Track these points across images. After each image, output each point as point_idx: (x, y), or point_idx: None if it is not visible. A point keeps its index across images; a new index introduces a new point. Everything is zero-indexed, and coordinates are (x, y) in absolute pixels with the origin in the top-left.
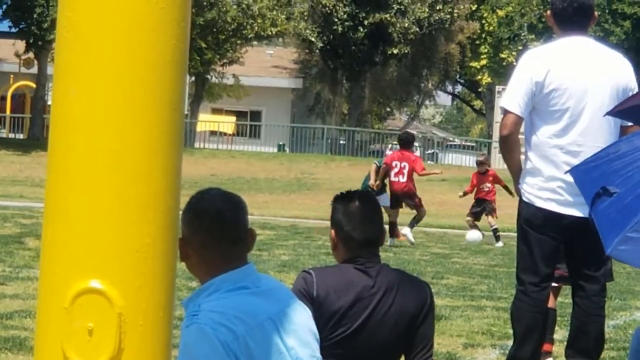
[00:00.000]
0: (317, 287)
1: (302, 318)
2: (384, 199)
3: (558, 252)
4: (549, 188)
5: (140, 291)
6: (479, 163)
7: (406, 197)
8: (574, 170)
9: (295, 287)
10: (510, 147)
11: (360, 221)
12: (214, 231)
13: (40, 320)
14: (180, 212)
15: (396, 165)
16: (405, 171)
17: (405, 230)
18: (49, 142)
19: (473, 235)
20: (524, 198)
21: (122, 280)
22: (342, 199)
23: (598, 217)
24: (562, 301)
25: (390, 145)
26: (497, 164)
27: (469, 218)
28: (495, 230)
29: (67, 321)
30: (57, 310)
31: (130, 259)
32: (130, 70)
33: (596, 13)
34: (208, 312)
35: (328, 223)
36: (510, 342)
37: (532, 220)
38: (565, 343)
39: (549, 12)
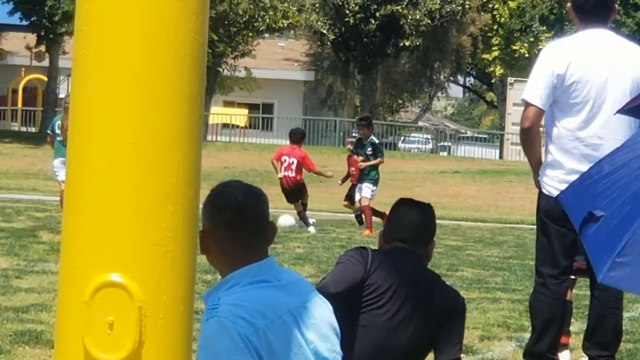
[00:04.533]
0: (372, 259)
1: (322, 312)
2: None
3: (577, 244)
4: (570, 181)
5: (160, 284)
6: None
7: (295, 191)
8: (562, 195)
9: (349, 257)
10: (531, 139)
11: (410, 221)
12: (234, 224)
13: (61, 314)
14: (201, 205)
15: (285, 160)
16: (294, 167)
17: (311, 229)
18: (69, 135)
19: (285, 220)
20: (544, 190)
21: (142, 273)
22: (404, 201)
23: (588, 243)
24: (577, 293)
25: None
26: (512, 155)
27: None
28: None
29: (87, 315)
30: (77, 303)
31: (151, 252)
32: (149, 64)
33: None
34: (228, 306)
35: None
36: (527, 334)
37: (552, 212)
38: (583, 335)
39: (569, 4)
